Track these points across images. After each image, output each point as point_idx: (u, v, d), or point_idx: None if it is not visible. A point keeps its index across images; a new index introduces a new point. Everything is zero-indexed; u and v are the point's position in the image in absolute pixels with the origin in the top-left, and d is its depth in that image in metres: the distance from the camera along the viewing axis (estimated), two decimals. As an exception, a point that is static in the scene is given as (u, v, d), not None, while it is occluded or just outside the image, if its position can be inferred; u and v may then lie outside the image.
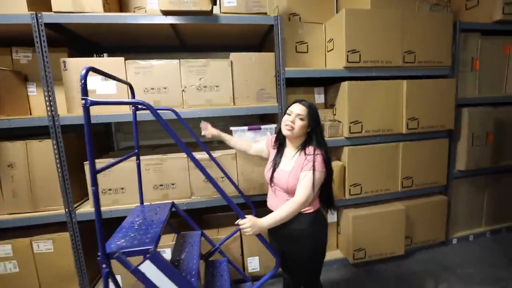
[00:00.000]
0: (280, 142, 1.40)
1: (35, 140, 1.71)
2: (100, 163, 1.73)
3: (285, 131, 1.29)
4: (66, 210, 1.73)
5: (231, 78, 1.85)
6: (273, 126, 1.90)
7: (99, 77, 1.74)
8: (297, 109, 1.27)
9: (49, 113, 1.65)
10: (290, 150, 1.35)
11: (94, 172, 0.93)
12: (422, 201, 2.26)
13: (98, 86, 1.75)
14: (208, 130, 1.71)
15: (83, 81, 0.91)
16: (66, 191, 1.72)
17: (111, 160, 1.31)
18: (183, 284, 1.08)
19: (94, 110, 1.07)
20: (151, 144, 2.50)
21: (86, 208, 1.81)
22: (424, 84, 2.07)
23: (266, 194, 1.43)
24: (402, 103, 2.06)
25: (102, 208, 1.74)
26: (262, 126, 1.87)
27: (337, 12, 2.38)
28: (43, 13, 1.58)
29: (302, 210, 1.23)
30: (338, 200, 2.09)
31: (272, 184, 1.33)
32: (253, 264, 2.03)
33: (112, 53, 2.41)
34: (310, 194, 1.19)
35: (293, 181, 1.23)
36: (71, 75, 1.71)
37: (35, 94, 1.90)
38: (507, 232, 2.55)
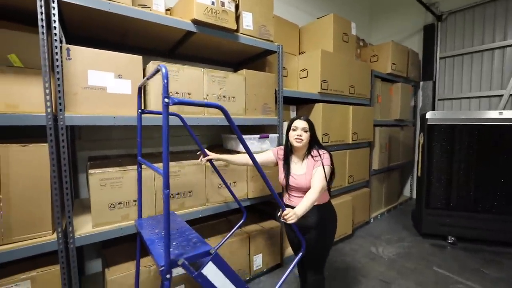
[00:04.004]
0: (287, 154, 1.64)
1: (16, 145, 1.28)
2: (103, 173, 1.50)
3: (296, 143, 1.54)
4: (60, 235, 1.36)
5: (244, 91, 2.05)
6: (276, 135, 2.22)
7: (111, 73, 1.54)
8: (301, 124, 1.55)
9: (49, 110, 1.31)
10: (297, 158, 1.62)
11: (168, 175, 0.92)
12: (358, 193, 3.13)
13: (110, 84, 1.54)
14: (211, 156, 1.66)
15: (165, 80, 0.90)
16: (67, 211, 1.37)
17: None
18: (240, 285, 1.12)
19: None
20: (128, 153, 2.21)
21: (86, 230, 1.48)
22: (360, 109, 2.98)
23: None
24: (349, 122, 2.87)
25: (111, 226, 1.51)
26: (270, 135, 2.15)
27: (299, 49, 3.03)
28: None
29: (317, 202, 1.47)
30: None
31: (289, 188, 1.59)
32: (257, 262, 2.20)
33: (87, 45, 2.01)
34: (324, 183, 1.43)
35: (310, 180, 1.50)
36: (75, 66, 1.43)
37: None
38: (393, 211, 3.86)
